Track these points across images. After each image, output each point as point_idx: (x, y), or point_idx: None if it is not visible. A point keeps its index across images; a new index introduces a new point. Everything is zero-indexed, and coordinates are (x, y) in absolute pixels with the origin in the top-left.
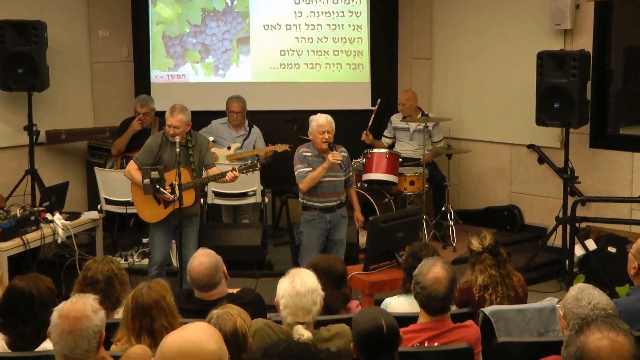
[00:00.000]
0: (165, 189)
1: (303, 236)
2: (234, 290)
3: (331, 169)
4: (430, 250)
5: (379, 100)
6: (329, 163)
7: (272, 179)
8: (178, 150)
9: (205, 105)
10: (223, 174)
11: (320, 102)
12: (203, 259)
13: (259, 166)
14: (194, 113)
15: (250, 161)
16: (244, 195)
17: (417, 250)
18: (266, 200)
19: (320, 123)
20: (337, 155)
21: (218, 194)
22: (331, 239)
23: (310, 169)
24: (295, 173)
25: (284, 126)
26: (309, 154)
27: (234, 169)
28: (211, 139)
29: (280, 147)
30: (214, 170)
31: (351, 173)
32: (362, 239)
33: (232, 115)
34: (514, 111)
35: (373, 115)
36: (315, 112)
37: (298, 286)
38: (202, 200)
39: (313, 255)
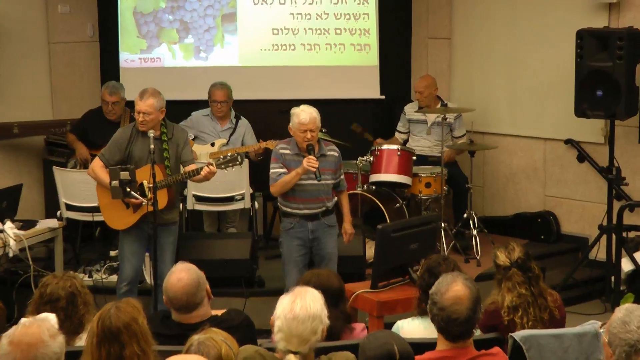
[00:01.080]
0: (137, 192)
1: (283, 248)
2: (219, 312)
3: (311, 172)
4: (449, 264)
5: (354, 125)
6: (302, 169)
7: (264, 180)
8: (152, 146)
9: (184, 94)
10: (198, 171)
11: (319, 90)
12: (182, 274)
13: (240, 160)
14: (170, 103)
15: (229, 155)
16: (230, 199)
17: (434, 265)
18: (256, 205)
19: (302, 120)
20: (313, 162)
21: (200, 199)
22: (317, 254)
23: (285, 170)
24: (269, 173)
25: (277, 118)
26: (288, 151)
27: (210, 164)
28: (191, 136)
29: (272, 144)
30: (191, 168)
31: (342, 176)
32: (370, 251)
33: (216, 105)
34: (549, 100)
35: (367, 134)
36: (313, 102)
37: (297, 309)
38: (180, 206)
39: (294, 271)
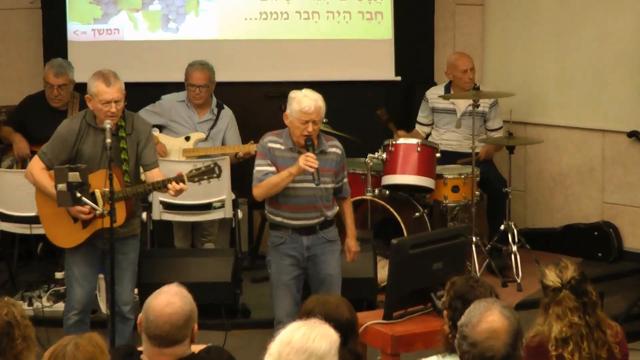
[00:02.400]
0: (89, 198)
1: (271, 268)
2: (195, 349)
3: (308, 173)
4: (483, 288)
5: (381, 110)
6: (298, 169)
7: (250, 184)
8: (109, 140)
9: (148, 74)
10: (165, 183)
11: (318, 70)
12: (175, 299)
13: (218, 172)
14: (130, 87)
15: (204, 165)
16: (206, 207)
17: (463, 289)
18: (240, 215)
19: (305, 107)
20: (312, 161)
21: (168, 206)
22: (314, 276)
23: (274, 169)
24: (254, 171)
25: (265, 105)
26: (279, 146)
27: (179, 178)
28: (156, 132)
29: (253, 146)
30: (155, 175)
31: (345, 179)
32: (383, 272)
33: (194, 90)
34: (609, 83)
35: (391, 124)
36: (310, 85)
37: (297, 336)
38: (144, 214)
39: (285, 298)
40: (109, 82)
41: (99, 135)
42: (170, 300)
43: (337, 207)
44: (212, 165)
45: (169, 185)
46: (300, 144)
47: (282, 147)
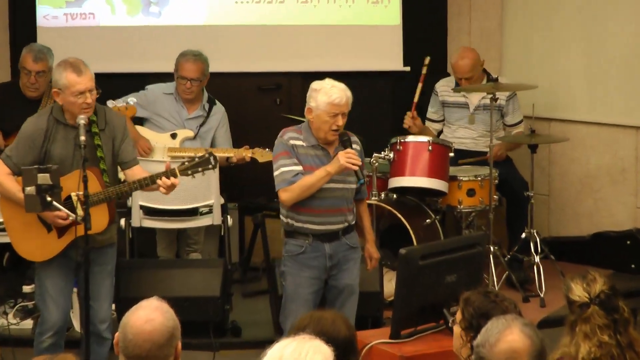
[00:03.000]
0: (61, 203)
1: (286, 281)
2: None
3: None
4: (502, 304)
5: (427, 58)
6: (339, 167)
7: (240, 187)
8: (83, 138)
9: (128, 64)
10: (154, 178)
11: (318, 59)
12: (155, 315)
13: (213, 162)
14: (108, 78)
15: (197, 155)
16: (192, 213)
17: (480, 305)
18: (230, 221)
19: (336, 99)
20: (355, 157)
21: (150, 212)
22: (334, 286)
23: (301, 168)
24: (275, 173)
25: (259, 98)
26: (301, 142)
27: (169, 171)
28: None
29: (264, 155)
30: (137, 172)
31: (365, 178)
32: (389, 285)
33: (185, 84)
34: None
35: (420, 85)
36: (308, 75)
37: (287, 353)
38: (121, 220)
39: (303, 313)
40: (79, 70)
41: (70, 133)
42: (150, 316)
43: (355, 212)
44: (207, 155)
45: (159, 181)
46: (328, 139)
47: (305, 144)
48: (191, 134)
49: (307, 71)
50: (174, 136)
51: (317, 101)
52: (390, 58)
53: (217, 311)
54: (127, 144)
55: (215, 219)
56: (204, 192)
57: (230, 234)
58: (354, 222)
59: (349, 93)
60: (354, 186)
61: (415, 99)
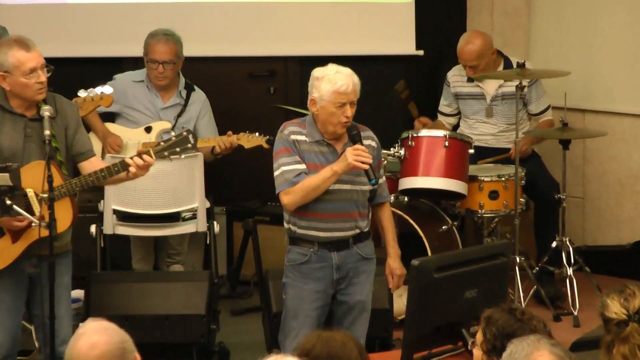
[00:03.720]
0: (22, 207)
1: (287, 294)
2: None
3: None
4: (529, 323)
5: (401, 82)
6: (346, 166)
7: (229, 188)
8: (48, 132)
9: (100, 47)
10: (124, 163)
11: (318, 42)
12: (96, 338)
13: (192, 141)
14: (77, 63)
15: (174, 134)
16: (173, 218)
17: (504, 324)
18: (216, 228)
19: (342, 86)
20: (364, 155)
21: (125, 217)
22: (343, 302)
23: (305, 167)
24: (275, 173)
25: (250, 86)
26: (303, 138)
27: (141, 152)
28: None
29: (251, 140)
30: (95, 164)
31: (383, 178)
32: (400, 302)
33: (156, 68)
34: None
35: (412, 103)
36: (307, 60)
37: None
38: (92, 227)
39: (303, 332)
40: (27, 46)
41: (19, 123)
42: (92, 340)
43: (370, 218)
44: (185, 134)
45: (129, 161)
46: (337, 133)
47: (308, 140)
48: (168, 125)
49: (305, 55)
50: (148, 130)
51: (321, 91)
52: (401, 40)
53: (202, 331)
54: (81, 133)
55: (199, 225)
56: (186, 194)
57: (217, 243)
58: (367, 230)
59: (356, 78)
60: (367, 187)
61: (415, 116)
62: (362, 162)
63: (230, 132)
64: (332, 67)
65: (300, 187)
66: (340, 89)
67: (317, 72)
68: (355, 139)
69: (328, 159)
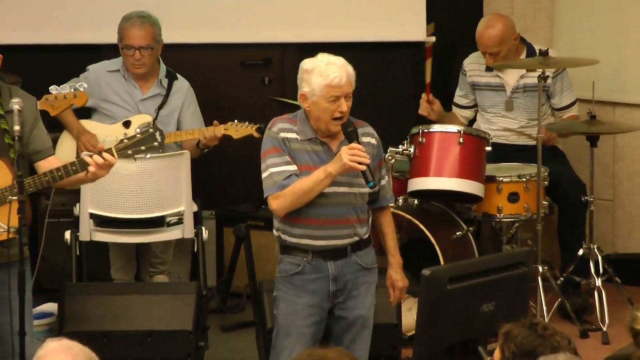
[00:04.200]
0: None
1: (279, 309)
2: None
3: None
4: (552, 339)
5: (431, 25)
6: (341, 167)
7: (218, 190)
8: (17, 127)
9: (73, 33)
10: (83, 163)
11: (318, 28)
12: (60, 357)
13: (159, 138)
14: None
15: (140, 131)
16: (157, 223)
17: (524, 340)
18: (205, 234)
19: (334, 79)
20: (361, 154)
21: (103, 222)
22: (340, 316)
23: (296, 168)
24: (264, 175)
25: (242, 76)
26: (294, 135)
27: (102, 150)
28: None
29: (240, 130)
30: (53, 164)
31: (386, 179)
32: (409, 316)
33: (132, 55)
34: None
35: (429, 61)
36: (306, 48)
37: None
38: (66, 233)
39: (296, 351)
40: None
41: None
42: None
43: (370, 223)
44: (151, 130)
45: (88, 159)
46: (331, 130)
47: (299, 137)
48: (149, 119)
49: (304, 42)
50: (127, 124)
51: (312, 84)
52: (411, 26)
53: (189, 350)
54: (39, 129)
55: (186, 231)
56: (171, 197)
57: (206, 251)
58: (367, 237)
59: (350, 69)
60: (366, 190)
61: (427, 79)
62: (359, 163)
63: (216, 122)
64: (322, 58)
65: (290, 190)
66: (333, 82)
67: (306, 63)
68: (351, 136)
69: (322, 158)
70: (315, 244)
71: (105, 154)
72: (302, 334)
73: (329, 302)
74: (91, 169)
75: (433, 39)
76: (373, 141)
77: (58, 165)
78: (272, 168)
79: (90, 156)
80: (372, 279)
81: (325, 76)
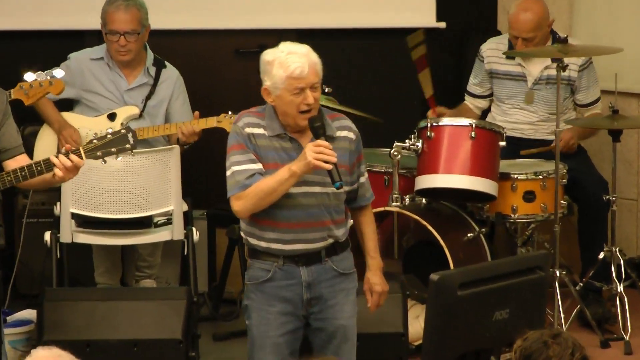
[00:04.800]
0: None
1: (251, 320)
2: None
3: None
4: (559, 347)
5: (418, 33)
6: (305, 165)
7: (210, 188)
8: None
9: (55, 18)
10: (49, 163)
11: (320, 13)
12: None
13: (132, 140)
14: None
15: (111, 132)
16: (144, 223)
17: (539, 351)
18: (196, 236)
19: (296, 70)
20: (327, 152)
21: (85, 222)
22: (319, 328)
23: (260, 167)
24: (227, 173)
25: (237, 64)
26: (261, 131)
27: (69, 151)
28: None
29: (212, 121)
30: (22, 162)
31: (363, 178)
32: (416, 324)
33: (117, 41)
34: None
35: (427, 70)
36: (307, 34)
37: None
38: (46, 234)
39: None
40: None
41: None
42: None
43: (351, 222)
44: (123, 131)
45: (55, 161)
46: (300, 125)
47: (267, 133)
48: (136, 110)
49: (303, 28)
50: (112, 117)
51: (273, 77)
52: (419, 10)
53: (178, 359)
54: (8, 126)
55: (175, 232)
56: (160, 196)
57: (197, 254)
58: (345, 239)
59: (313, 57)
60: (344, 189)
61: (428, 93)
62: (325, 161)
63: (196, 114)
64: (284, 47)
65: (252, 190)
66: (294, 73)
67: (267, 54)
68: (317, 132)
69: (291, 156)
70: (287, 249)
71: (72, 156)
72: (277, 344)
73: (303, 310)
74: (57, 170)
75: (423, 50)
76: (350, 135)
77: (23, 165)
78: (235, 166)
79: (57, 156)
80: (350, 284)
81: (286, 67)
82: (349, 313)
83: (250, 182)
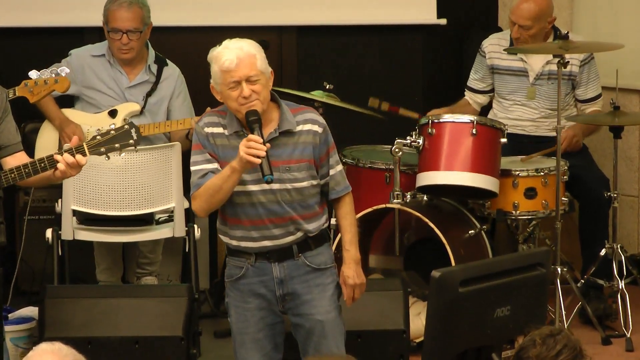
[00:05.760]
0: None
1: (231, 317)
2: None
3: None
4: (570, 347)
5: (370, 99)
6: (241, 161)
7: None
8: None
9: (56, 15)
10: (52, 160)
11: (321, 9)
12: (47, 357)
13: (135, 136)
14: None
15: (114, 128)
16: (145, 221)
17: (526, 349)
18: (197, 233)
19: (225, 63)
20: (256, 146)
21: (87, 219)
22: (299, 324)
23: (217, 166)
24: (191, 173)
25: None
26: (220, 130)
27: (72, 148)
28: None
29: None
30: (21, 159)
31: (335, 170)
32: (418, 321)
33: (119, 39)
34: None
35: (401, 110)
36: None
37: None
38: (47, 232)
39: (257, 358)
40: None
41: None
42: None
43: (325, 217)
44: (127, 127)
45: (59, 158)
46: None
47: (226, 132)
48: (137, 107)
49: (304, 25)
50: (113, 114)
51: (213, 74)
52: (420, 6)
53: (179, 356)
54: (8, 123)
55: (176, 229)
56: (161, 193)
57: (198, 251)
58: (319, 234)
59: (248, 49)
60: (304, 184)
61: (415, 115)
62: (255, 155)
63: (209, 109)
64: (224, 43)
65: (203, 190)
66: (223, 67)
67: (210, 52)
68: (251, 125)
69: None
70: (255, 246)
71: (78, 156)
72: (256, 340)
73: (279, 306)
74: (60, 166)
75: (386, 105)
76: (315, 128)
77: (26, 162)
78: (192, 166)
79: (60, 153)
80: (327, 279)
81: (218, 61)
82: (326, 308)
83: (202, 181)
